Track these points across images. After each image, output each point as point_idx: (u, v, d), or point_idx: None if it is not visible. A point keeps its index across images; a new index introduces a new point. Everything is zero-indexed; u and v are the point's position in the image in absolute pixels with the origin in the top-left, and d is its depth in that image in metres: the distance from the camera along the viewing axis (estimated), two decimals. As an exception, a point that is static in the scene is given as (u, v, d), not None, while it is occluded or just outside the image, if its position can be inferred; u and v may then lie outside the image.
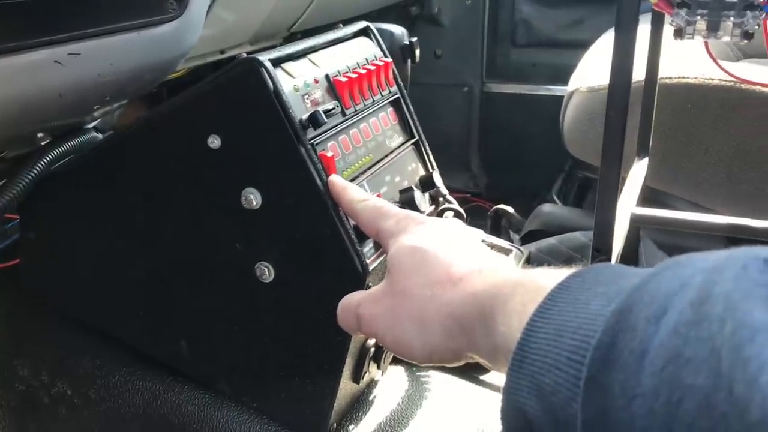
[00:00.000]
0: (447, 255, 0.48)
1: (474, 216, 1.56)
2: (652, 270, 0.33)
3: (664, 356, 0.28)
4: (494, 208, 1.58)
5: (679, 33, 0.64)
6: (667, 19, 0.65)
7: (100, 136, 0.78)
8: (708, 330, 0.27)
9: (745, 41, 0.61)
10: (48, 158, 0.71)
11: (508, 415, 0.37)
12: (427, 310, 0.46)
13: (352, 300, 0.53)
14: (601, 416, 0.30)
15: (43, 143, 0.73)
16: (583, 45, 1.62)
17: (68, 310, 0.80)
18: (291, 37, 1.29)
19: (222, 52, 1.10)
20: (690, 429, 0.26)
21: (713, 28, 0.61)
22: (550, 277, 0.39)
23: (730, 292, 0.27)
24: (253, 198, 0.62)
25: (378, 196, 0.66)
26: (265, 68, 0.59)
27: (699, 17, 0.61)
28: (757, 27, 0.61)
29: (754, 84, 1.09)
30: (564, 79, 1.55)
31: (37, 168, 0.70)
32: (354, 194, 0.59)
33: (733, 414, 0.25)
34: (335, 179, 0.60)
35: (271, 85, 0.59)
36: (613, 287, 0.34)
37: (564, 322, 0.34)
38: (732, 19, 0.60)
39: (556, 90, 1.87)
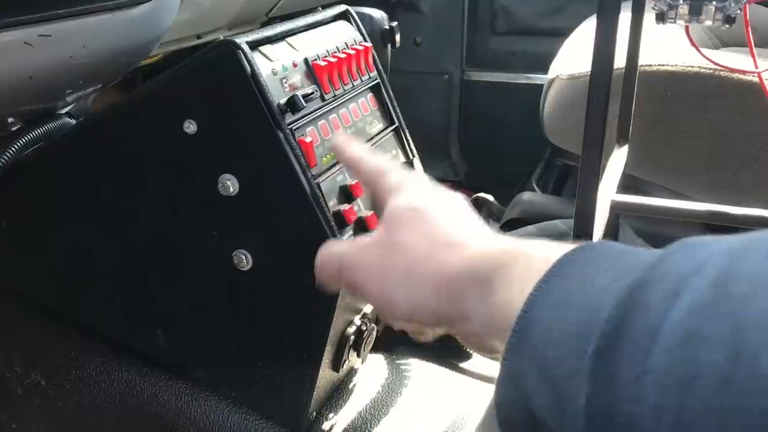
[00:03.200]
0: (447, 218, 0.47)
1: (454, 204, 1.56)
2: (661, 251, 0.32)
3: (679, 334, 0.27)
4: (474, 196, 1.58)
5: (661, 17, 0.63)
6: (649, 3, 0.65)
7: (74, 122, 0.76)
8: (729, 309, 0.26)
9: (727, 26, 0.61)
10: (19, 144, 0.69)
11: (504, 388, 0.36)
12: (420, 267, 0.45)
13: (336, 247, 0.51)
14: (607, 390, 0.29)
15: (14, 129, 0.72)
16: (563, 33, 1.62)
17: (42, 300, 0.79)
18: (269, 23, 1.27)
19: (198, 37, 1.09)
20: (705, 404, 0.26)
21: (695, 12, 0.61)
22: (552, 249, 0.37)
23: (755, 274, 0.27)
24: (230, 184, 0.61)
25: (357, 183, 0.65)
26: (243, 51, 0.58)
27: (681, 1, 0.60)
28: (738, 11, 0.60)
29: (734, 71, 1.10)
30: (543, 68, 1.55)
31: (8, 154, 0.68)
32: (358, 148, 0.56)
33: (758, 390, 0.24)
34: (339, 135, 0.57)
35: (248, 68, 0.58)
36: (621, 264, 0.33)
37: (570, 295, 0.33)
38: (714, 3, 0.60)
39: (536, 78, 1.87)
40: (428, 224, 0.46)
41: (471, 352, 0.91)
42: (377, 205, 0.54)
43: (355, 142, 0.56)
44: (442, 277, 0.44)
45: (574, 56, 1.44)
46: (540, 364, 0.33)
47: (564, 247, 0.37)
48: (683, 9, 0.61)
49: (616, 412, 0.29)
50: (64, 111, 0.77)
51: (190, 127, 0.61)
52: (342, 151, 0.56)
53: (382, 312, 0.49)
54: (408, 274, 0.45)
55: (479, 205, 1.55)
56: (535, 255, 0.39)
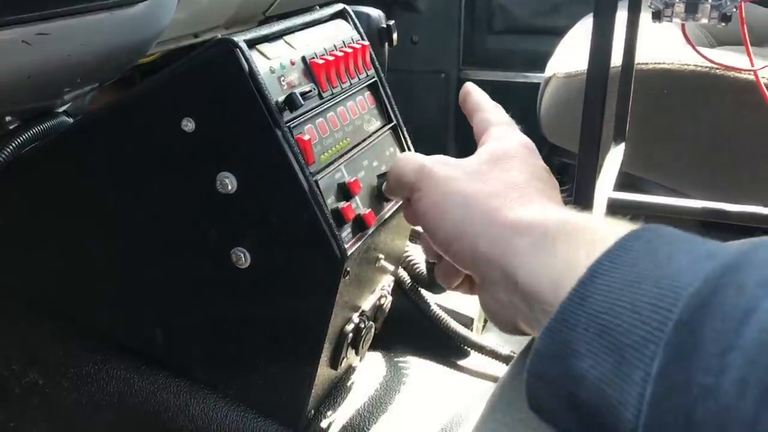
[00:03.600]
0: (536, 174, 0.48)
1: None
2: (747, 240, 0.32)
3: None
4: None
5: (657, 15, 0.64)
6: (646, 2, 0.65)
7: (71, 120, 0.76)
8: None
9: (723, 24, 0.62)
10: (17, 143, 0.69)
11: (544, 362, 0.35)
12: (487, 200, 0.45)
13: (421, 156, 0.52)
14: (686, 360, 0.28)
15: (11, 127, 0.72)
16: (560, 31, 1.63)
17: (40, 298, 0.79)
18: (266, 21, 1.27)
19: (196, 35, 1.09)
20: None
21: (691, 11, 0.61)
22: (619, 225, 0.37)
23: None
24: (228, 182, 0.61)
25: (355, 180, 0.65)
26: (240, 49, 0.58)
27: (677, 0, 0.61)
28: (734, 10, 0.61)
29: (730, 69, 1.10)
30: (540, 66, 1.55)
31: (6, 153, 0.68)
32: (483, 102, 0.58)
33: None
34: (469, 85, 0.59)
35: (246, 66, 0.58)
36: (702, 247, 0.33)
37: (643, 271, 0.32)
38: (710, 1, 0.60)
39: (533, 76, 1.87)
40: (517, 171, 0.47)
41: (469, 350, 0.92)
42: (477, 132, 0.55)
43: (480, 95, 0.58)
44: (503, 216, 0.43)
45: (570, 54, 1.44)
46: (600, 331, 0.32)
47: (629, 224, 0.37)
48: (679, 7, 0.61)
49: (692, 382, 0.28)
50: (61, 109, 0.77)
51: (188, 125, 0.61)
52: (467, 95, 0.58)
53: (427, 233, 0.48)
54: (472, 201, 0.45)
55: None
56: (603, 227, 0.38)
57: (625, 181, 1.08)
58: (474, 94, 0.58)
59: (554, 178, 0.50)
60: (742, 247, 0.31)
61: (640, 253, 0.34)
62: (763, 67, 0.84)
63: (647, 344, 0.30)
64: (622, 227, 0.37)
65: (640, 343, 0.30)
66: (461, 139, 2.10)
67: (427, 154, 0.53)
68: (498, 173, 0.47)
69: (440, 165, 0.49)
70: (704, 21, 0.61)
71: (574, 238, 0.39)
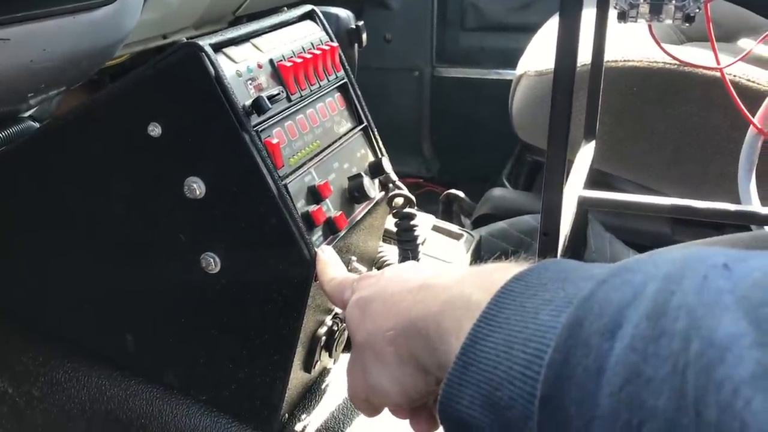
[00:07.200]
0: (386, 293, 0.47)
1: (426, 201, 1.57)
2: (600, 276, 0.31)
3: (621, 374, 0.27)
4: (445, 193, 1.58)
5: (622, 16, 0.64)
6: (612, 2, 0.66)
7: (37, 125, 0.75)
8: (668, 347, 0.26)
9: (687, 24, 0.62)
10: (-19, 149, 0.69)
11: (446, 425, 0.36)
12: (379, 347, 0.46)
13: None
14: None
15: (-25, 133, 0.71)
16: (532, 28, 1.64)
17: (8, 306, 0.77)
18: (236, 21, 1.26)
19: (165, 37, 1.08)
20: None
21: (656, 11, 0.61)
22: (485, 286, 0.37)
23: (693, 307, 0.26)
24: (196, 187, 0.60)
25: (326, 183, 0.65)
26: (206, 53, 0.58)
27: (642, 0, 0.61)
28: (698, 10, 0.61)
29: (697, 67, 1.11)
30: (513, 63, 1.56)
31: (-30, 159, 0.67)
32: (327, 274, 0.58)
33: None
34: (321, 255, 0.59)
35: (212, 70, 0.58)
36: (560, 294, 0.33)
37: (513, 333, 0.33)
38: (674, 2, 0.61)
39: (506, 74, 1.88)
40: (371, 308, 0.48)
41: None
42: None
43: (329, 265, 0.59)
44: (393, 343, 0.44)
45: (541, 52, 1.45)
46: (489, 403, 0.33)
47: (495, 280, 0.37)
48: (644, 8, 0.61)
49: None
50: (27, 114, 0.76)
51: (155, 130, 0.60)
52: (318, 274, 0.59)
53: (389, 407, 0.50)
54: (377, 360, 0.46)
55: (450, 202, 1.56)
56: (464, 300, 0.39)
57: (596, 179, 1.09)
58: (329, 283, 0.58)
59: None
60: (586, 290, 0.31)
61: (511, 310, 0.34)
62: (729, 65, 0.86)
63: (526, 422, 0.31)
64: (485, 289, 0.37)
65: (522, 419, 0.31)
66: (435, 136, 2.10)
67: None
68: (363, 326, 0.48)
69: (347, 371, 0.51)
70: (668, 22, 0.61)
71: (443, 324, 0.40)
